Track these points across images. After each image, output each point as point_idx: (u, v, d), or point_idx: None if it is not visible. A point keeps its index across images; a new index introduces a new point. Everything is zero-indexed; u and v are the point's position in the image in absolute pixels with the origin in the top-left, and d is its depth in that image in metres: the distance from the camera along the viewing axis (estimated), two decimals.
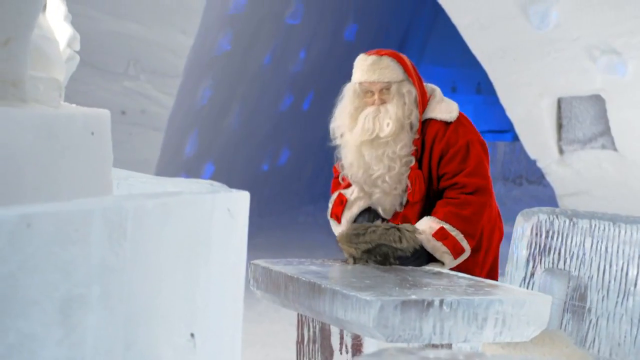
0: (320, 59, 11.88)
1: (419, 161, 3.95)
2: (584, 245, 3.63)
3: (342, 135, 4.05)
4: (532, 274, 3.79)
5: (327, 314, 2.97)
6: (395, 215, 4.00)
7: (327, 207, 4.21)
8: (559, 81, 6.91)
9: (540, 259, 3.77)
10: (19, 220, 1.79)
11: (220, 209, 2.33)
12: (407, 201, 3.95)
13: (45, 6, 2.49)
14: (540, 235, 3.78)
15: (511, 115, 7.22)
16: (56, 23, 2.60)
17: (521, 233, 3.84)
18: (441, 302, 2.83)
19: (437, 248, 3.78)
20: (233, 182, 6.59)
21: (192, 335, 2.24)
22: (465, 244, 3.80)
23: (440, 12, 17.23)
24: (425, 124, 3.99)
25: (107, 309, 2.01)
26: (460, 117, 4.02)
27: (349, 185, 4.14)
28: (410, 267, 3.59)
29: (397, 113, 3.92)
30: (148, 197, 2.13)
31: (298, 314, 3.47)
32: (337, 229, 4.07)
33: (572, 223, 3.68)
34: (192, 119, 9.01)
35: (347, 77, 12.56)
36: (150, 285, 2.13)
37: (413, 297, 2.82)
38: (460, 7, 7.02)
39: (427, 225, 3.82)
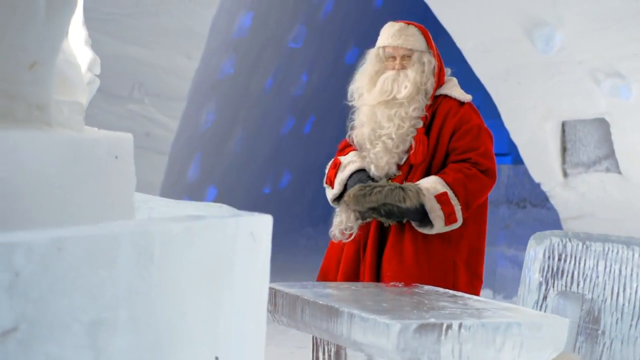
0: (321, 82, 11.92)
1: (427, 129, 4.08)
2: (597, 268, 3.63)
3: (359, 97, 4.19)
4: (545, 297, 3.79)
5: (345, 337, 2.97)
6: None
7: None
8: (563, 104, 6.92)
9: (553, 282, 3.78)
10: (50, 244, 1.80)
11: (243, 232, 2.34)
12: (408, 164, 4.07)
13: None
14: (553, 259, 3.79)
15: (515, 139, 7.23)
16: (77, 47, 2.61)
17: (533, 256, 3.85)
18: (460, 325, 2.83)
19: (434, 210, 3.91)
20: (235, 205, 6.57)
21: (216, 358, 2.24)
22: (459, 215, 3.94)
23: (439, 36, 17.28)
24: (439, 98, 4.15)
25: (134, 333, 2.01)
26: (472, 105, 4.20)
27: (346, 153, 4.28)
28: (425, 289, 3.59)
29: (415, 78, 4.08)
30: (174, 221, 2.14)
31: (313, 337, 3.47)
32: (330, 193, 4.22)
33: (585, 246, 3.69)
34: (196, 142, 9.02)
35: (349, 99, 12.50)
36: (175, 309, 2.13)
37: (432, 320, 2.82)
38: (464, 31, 7.04)
39: (433, 185, 3.95)
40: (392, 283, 3.76)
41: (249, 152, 10.63)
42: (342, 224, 4.10)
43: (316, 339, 3.47)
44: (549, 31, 6.69)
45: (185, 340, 2.19)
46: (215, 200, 9.65)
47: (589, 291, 3.64)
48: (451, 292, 3.56)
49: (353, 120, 4.25)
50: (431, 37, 4.22)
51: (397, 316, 2.85)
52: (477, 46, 7.02)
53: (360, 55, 12.41)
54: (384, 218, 3.99)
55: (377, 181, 4.09)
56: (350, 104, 4.25)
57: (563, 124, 7.13)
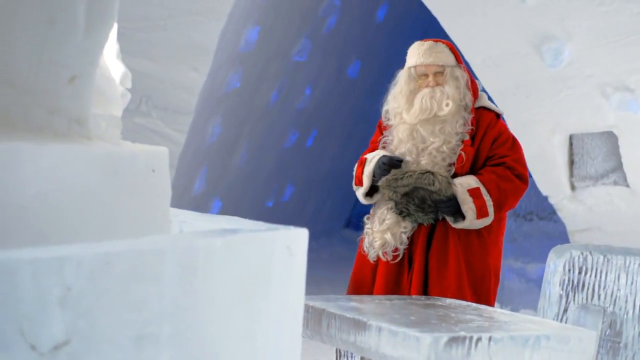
0: (324, 95, 11.94)
1: (472, 139, 4.22)
2: (618, 281, 3.64)
3: (395, 116, 4.31)
4: (566, 310, 3.80)
5: (373, 350, 2.97)
6: None
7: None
8: (571, 118, 6.94)
9: (574, 295, 3.78)
10: (99, 258, 1.80)
11: (280, 246, 2.34)
12: (454, 175, 4.18)
13: None
14: (573, 272, 3.79)
15: (524, 152, 7.24)
16: (110, 60, 2.62)
17: (553, 269, 3.85)
18: (490, 338, 2.83)
19: (466, 202, 4.07)
20: None
21: None
22: (491, 210, 4.10)
23: None
24: (479, 110, 4.29)
25: (177, 347, 2.01)
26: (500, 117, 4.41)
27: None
28: (448, 302, 3.59)
29: (453, 94, 4.22)
30: (215, 235, 2.14)
31: (336, 350, 3.47)
32: (359, 191, 4.33)
33: (606, 259, 3.70)
34: (202, 156, 9.03)
35: (350, 113, 12.65)
36: (216, 323, 2.13)
37: (462, 333, 2.82)
38: (473, 45, 7.06)
39: (467, 181, 4.13)
40: (414, 296, 3.77)
41: (253, 166, 10.63)
42: (389, 245, 4.17)
43: (339, 351, 3.47)
44: (558, 46, 6.71)
45: (225, 354, 2.19)
46: (220, 214, 9.64)
47: (610, 304, 3.64)
48: (474, 305, 3.57)
49: (386, 137, 4.35)
50: (459, 53, 4.36)
51: (427, 329, 2.86)
52: (485, 60, 7.04)
53: (362, 69, 12.45)
54: (420, 213, 4.10)
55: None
56: (385, 124, 4.37)
57: (570, 137, 7.15)
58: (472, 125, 4.23)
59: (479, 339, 2.82)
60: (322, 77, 11.54)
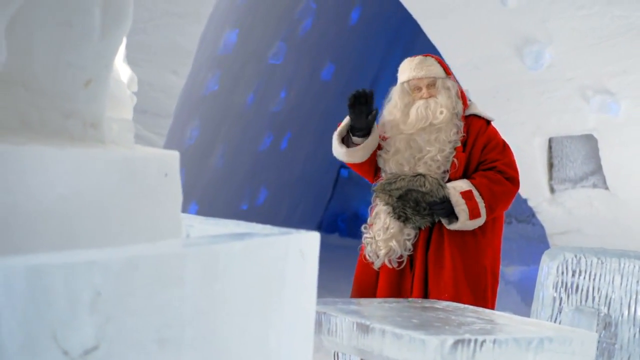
0: (298, 98, 11.94)
1: (464, 145, 4.38)
2: (613, 283, 3.67)
3: (392, 128, 4.47)
4: (559, 312, 3.82)
5: (377, 353, 2.98)
6: None
7: None
8: (552, 121, 6.98)
9: (568, 298, 3.81)
10: (126, 262, 1.80)
11: (293, 250, 2.34)
12: (447, 180, 4.34)
13: None
14: (567, 274, 3.82)
15: None
16: (118, 64, 2.61)
17: (547, 272, 3.88)
18: (494, 340, 2.85)
19: (459, 204, 4.21)
20: None
21: None
22: (483, 212, 4.23)
23: (410, 52, 17.37)
24: (469, 118, 4.46)
25: (198, 350, 2.01)
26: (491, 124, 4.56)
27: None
28: (444, 304, 3.61)
29: (446, 103, 4.40)
30: (234, 239, 2.14)
31: (334, 353, 3.47)
32: (337, 142, 4.52)
33: (600, 261, 3.72)
34: (180, 159, 8.99)
35: (323, 116, 12.62)
36: (233, 326, 2.13)
37: (467, 335, 2.83)
38: (454, 48, 7.09)
39: (459, 184, 4.28)
40: (411, 299, 3.78)
41: (229, 169, 10.61)
42: (394, 253, 4.31)
43: (337, 354, 3.48)
44: (539, 48, 6.75)
45: (241, 358, 2.19)
46: None
47: (605, 306, 3.67)
48: (471, 307, 3.58)
49: (381, 150, 4.51)
50: (447, 65, 4.58)
51: (432, 332, 2.87)
52: (466, 63, 7.07)
53: (335, 72, 12.43)
54: (417, 217, 4.26)
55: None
56: (382, 135, 4.51)
57: (550, 140, 7.19)
58: (463, 132, 4.39)
59: (483, 342, 2.83)
60: (296, 80, 11.54)
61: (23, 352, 1.62)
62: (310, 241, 2.41)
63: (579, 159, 7.10)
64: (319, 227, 15.24)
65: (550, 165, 7.27)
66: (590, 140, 7.00)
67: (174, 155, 2.43)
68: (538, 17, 6.57)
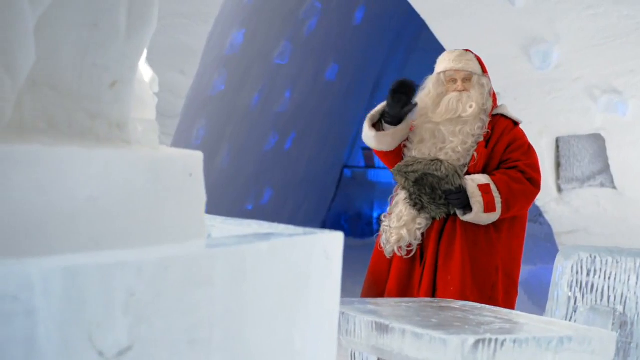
0: (302, 98, 11.94)
1: (487, 142, 4.40)
2: (628, 282, 3.67)
3: (421, 117, 4.49)
4: (574, 312, 3.82)
5: (396, 353, 2.98)
6: None
7: None
8: (559, 120, 6.99)
9: (582, 297, 3.81)
10: (159, 263, 1.80)
11: (318, 250, 2.34)
12: (466, 173, 4.37)
13: None
14: (582, 273, 3.82)
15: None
16: (141, 64, 2.61)
17: (561, 271, 3.88)
18: (514, 340, 2.85)
19: (475, 195, 4.23)
20: None
21: None
22: (499, 207, 4.24)
23: (412, 53, 17.39)
24: (496, 117, 4.50)
25: (227, 351, 2.01)
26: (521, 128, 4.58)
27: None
28: (460, 304, 3.61)
29: (477, 98, 4.43)
30: (260, 239, 2.14)
31: (351, 353, 3.47)
32: (368, 127, 4.51)
33: (615, 261, 3.73)
34: None
35: (327, 116, 12.64)
36: (261, 327, 2.13)
37: (487, 335, 2.84)
38: (461, 47, 7.08)
39: (479, 177, 4.30)
40: (427, 299, 3.78)
41: (234, 169, 10.62)
42: (404, 241, 4.34)
43: (354, 353, 3.48)
44: (547, 48, 6.75)
45: (269, 359, 2.19)
46: None
47: (620, 305, 3.67)
48: (488, 306, 3.59)
49: (407, 141, 4.53)
50: (484, 64, 4.61)
51: (453, 332, 2.87)
52: None
53: (339, 72, 12.43)
54: (433, 206, 4.29)
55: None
56: (412, 122, 4.53)
57: (557, 140, 7.20)
58: (488, 129, 4.41)
59: (504, 341, 2.84)
60: (301, 80, 11.55)
61: (60, 353, 1.62)
62: (334, 241, 2.42)
63: (587, 158, 7.10)
64: (322, 227, 15.24)
65: (558, 165, 7.27)
66: (597, 140, 7.01)
67: (198, 156, 2.43)
68: (546, 17, 6.57)
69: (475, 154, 4.35)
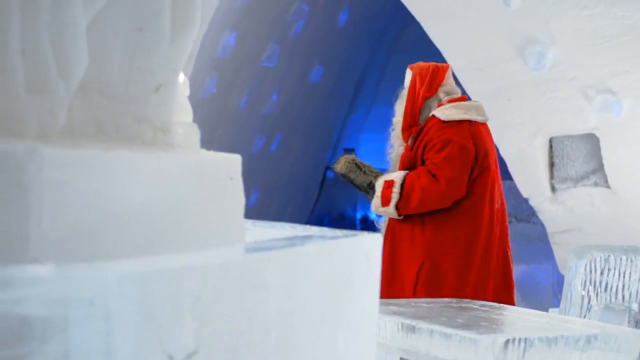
0: (288, 100, 11.95)
1: (412, 146, 4.86)
2: None
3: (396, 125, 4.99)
4: (588, 310, 3.85)
5: (423, 353, 2.99)
6: None
7: None
8: (553, 121, 7.02)
9: (596, 296, 3.84)
10: (221, 266, 1.81)
11: (359, 252, 2.36)
12: None
13: None
14: (595, 272, 3.85)
15: (504, 155, 7.32)
16: None
17: (575, 270, 3.91)
18: (544, 339, 2.87)
19: (377, 191, 4.75)
20: None
21: None
22: (393, 201, 4.66)
23: (393, 54, 17.40)
24: (430, 118, 4.86)
25: (280, 353, 2.02)
26: (459, 122, 4.85)
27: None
28: (479, 304, 3.63)
29: (398, 116, 5.00)
30: (308, 241, 2.15)
31: None
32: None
33: (629, 259, 3.76)
34: None
35: (311, 118, 12.64)
36: (309, 329, 2.14)
37: (517, 334, 2.86)
38: (456, 48, 7.12)
39: (394, 174, 4.77)
40: (446, 299, 3.80)
41: None
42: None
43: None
44: (541, 49, 6.78)
45: None
46: None
47: (635, 303, 3.70)
48: (507, 306, 3.61)
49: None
50: (417, 66, 5.06)
51: (482, 331, 2.89)
52: (468, 64, 7.10)
53: (324, 74, 12.42)
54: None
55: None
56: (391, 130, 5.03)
57: (550, 140, 7.23)
58: (421, 130, 4.84)
59: (533, 340, 2.86)
60: (288, 82, 11.55)
61: (133, 358, 1.62)
62: (373, 243, 2.43)
63: (580, 158, 7.14)
64: None
65: (552, 165, 7.31)
66: (591, 139, 7.05)
67: (237, 159, 2.44)
68: (541, 18, 6.60)
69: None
